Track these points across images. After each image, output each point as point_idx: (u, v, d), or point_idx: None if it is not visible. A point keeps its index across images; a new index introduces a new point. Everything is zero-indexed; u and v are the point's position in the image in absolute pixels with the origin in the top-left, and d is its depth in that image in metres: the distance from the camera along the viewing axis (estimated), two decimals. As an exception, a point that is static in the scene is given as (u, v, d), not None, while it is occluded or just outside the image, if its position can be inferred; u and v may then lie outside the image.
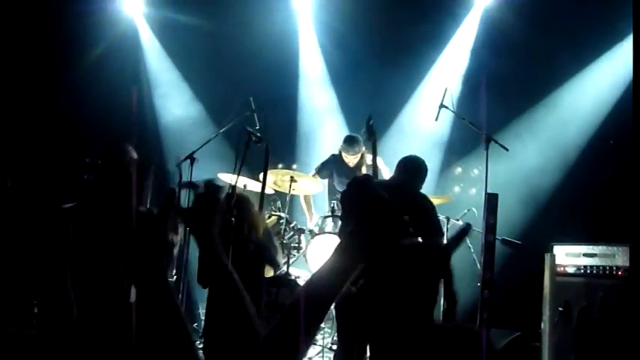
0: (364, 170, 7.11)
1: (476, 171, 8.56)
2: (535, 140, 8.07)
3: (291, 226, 6.66)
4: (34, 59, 8.26)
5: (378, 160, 7.17)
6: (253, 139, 5.18)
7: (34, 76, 8.28)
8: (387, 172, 7.16)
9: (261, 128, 6.20)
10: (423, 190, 5.07)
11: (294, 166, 9.01)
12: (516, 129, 8.10)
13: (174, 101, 9.09)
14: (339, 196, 7.15)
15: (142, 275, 1.60)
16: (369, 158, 7.15)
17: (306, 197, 7.40)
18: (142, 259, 1.61)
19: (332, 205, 6.81)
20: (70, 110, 8.28)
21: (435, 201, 6.66)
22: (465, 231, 4.15)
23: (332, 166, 7.26)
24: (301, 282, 6.12)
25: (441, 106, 6.68)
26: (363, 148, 7.05)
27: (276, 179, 6.85)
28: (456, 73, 8.62)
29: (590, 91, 8.00)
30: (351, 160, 7.06)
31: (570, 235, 6.44)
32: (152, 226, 1.61)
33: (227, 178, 6.63)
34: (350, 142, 7.01)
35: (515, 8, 8.08)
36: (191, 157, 6.57)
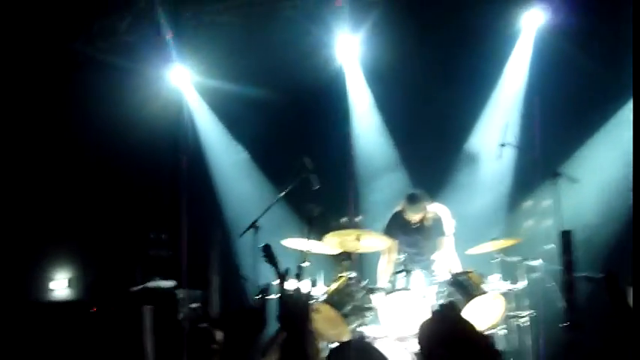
0: (426, 227, 7.00)
1: (545, 203, 8.31)
2: (603, 164, 7.77)
3: (362, 285, 6.53)
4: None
5: (441, 208, 7.10)
6: (315, 214, 5.15)
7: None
8: (450, 225, 7.05)
9: (318, 187, 6.27)
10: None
11: (360, 218, 8.93)
12: (583, 155, 7.80)
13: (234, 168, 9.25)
14: (407, 252, 7.02)
15: None
16: (431, 209, 7.08)
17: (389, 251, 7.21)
18: None
19: (402, 259, 6.69)
20: (124, 180, 8.49)
21: (507, 242, 6.62)
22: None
23: (397, 225, 7.15)
24: (377, 344, 6.01)
25: (503, 144, 6.64)
26: (426, 206, 6.97)
27: (341, 240, 6.67)
28: (514, 101, 8.38)
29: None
30: (413, 219, 7.00)
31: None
32: None
33: (291, 244, 6.66)
34: (412, 201, 6.94)
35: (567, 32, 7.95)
36: (254, 226, 6.66)
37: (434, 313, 2.32)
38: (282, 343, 3.27)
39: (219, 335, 4.62)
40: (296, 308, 3.28)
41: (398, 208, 7.14)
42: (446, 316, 2.24)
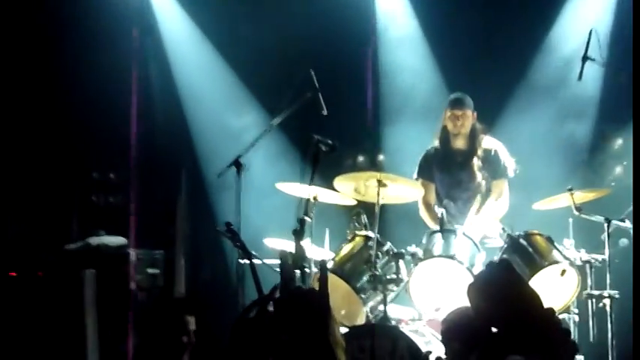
0: (476, 163, 7.02)
1: None
2: None
3: (385, 249, 6.42)
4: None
5: (496, 143, 7.05)
6: (324, 149, 5.11)
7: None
8: (511, 164, 6.97)
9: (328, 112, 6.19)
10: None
11: (381, 158, 8.88)
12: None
13: (207, 84, 9.19)
14: (446, 202, 7.08)
15: None
16: (485, 140, 7.12)
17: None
18: None
19: (440, 214, 6.63)
20: (66, 104, 8.43)
21: (588, 196, 6.60)
22: None
23: (434, 160, 7.19)
24: (404, 328, 6.04)
25: (585, 58, 6.52)
26: (474, 112, 7.08)
27: (357, 185, 6.57)
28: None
29: None
30: (458, 127, 7.06)
31: None
32: None
33: (288, 189, 6.63)
34: (455, 98, 7.10)
35: None
36: (237, 163, 6.57)
37: (480, 273, 2.24)
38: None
39: (191, 323, 4.63)
40: (312, 309, 3.22)
41: (434, 145, 7.24)
42: (499, 277, 2.16)
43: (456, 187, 7.23)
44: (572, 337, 6.09)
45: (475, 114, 7.12)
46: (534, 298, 2.15)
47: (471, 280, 5.91)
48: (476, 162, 7.14)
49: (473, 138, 7.14)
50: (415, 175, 7.28)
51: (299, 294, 3.77)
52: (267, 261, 6.43)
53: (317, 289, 6.10)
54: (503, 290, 2.14)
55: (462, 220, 6.90)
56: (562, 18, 8.63)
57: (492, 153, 7.15)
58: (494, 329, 2.25)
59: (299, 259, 4.42)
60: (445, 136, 7.21)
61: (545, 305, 2.94)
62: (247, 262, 5.34)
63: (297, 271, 4.42)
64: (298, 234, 4.58)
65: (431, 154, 7.30)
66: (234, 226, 5.35)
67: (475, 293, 2.20)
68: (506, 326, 2.10)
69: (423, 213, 7.26)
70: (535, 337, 2.12)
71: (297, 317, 3.68)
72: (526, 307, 2.13)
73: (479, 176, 7.14)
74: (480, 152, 7.13)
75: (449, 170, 7.22)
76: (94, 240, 7.85)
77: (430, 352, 5.50)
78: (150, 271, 7.89)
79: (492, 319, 2.19)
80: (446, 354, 4.66)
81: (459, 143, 7.19)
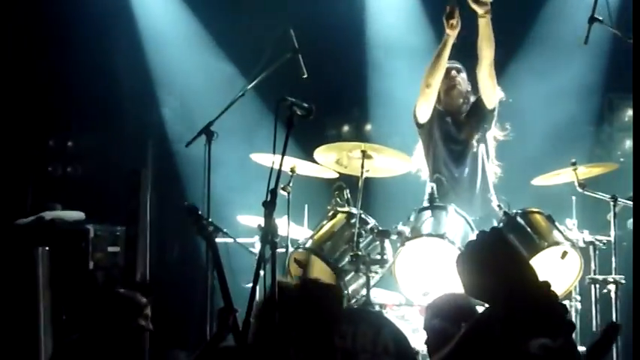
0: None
1: None
2: None
3: (369, 227, 6.37)
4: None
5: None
6: (299, 113, 5.04)
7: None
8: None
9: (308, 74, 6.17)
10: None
11: (368, 128, 8.89)
12: None
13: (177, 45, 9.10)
14: (442, 173, 7.01)
15: None
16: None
17: None
18: None
19: (431, 189, 6.56)
20: (19, 64, 8.36)
21: (593, 171, 6.67)
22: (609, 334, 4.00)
23: (432, 124, 7.08)
24: (389, 314, 6.01)
25: (593, 19, 6.44)
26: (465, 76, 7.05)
27: (340, 156, 6.61)
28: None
29: None
30: (453, 87, 7.03)
31: None
32: None
33: (264, 160, 6.62)
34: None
35: None
36: (207, 132, 6.51)
37: (469, 242, 2.21)
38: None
39: (146, 307, 4.64)
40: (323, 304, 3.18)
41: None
42: (489, 244, 2.11)
43: (450, 161, 7.11)
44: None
45: (468, 82, 7.10)
46: (532, 272, 2.09)
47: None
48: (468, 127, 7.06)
49: (467, 99, 7.12)
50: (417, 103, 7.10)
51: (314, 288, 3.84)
52: (240, 240, 6.40)
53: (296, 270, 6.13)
54: (497, 260, 2.07)
55: (454, 197, 6.83)
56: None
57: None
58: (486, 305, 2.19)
59: (270, 234, 4.34)
60: (441, 110, 7.13)
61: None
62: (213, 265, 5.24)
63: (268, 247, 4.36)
64: (269, 206, 4.51)
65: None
66: (199, 209, 5.25)
67: (464, 265, 2.13)
68: (503, 302, 2.04)
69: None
70: (537, 314, 2.06)
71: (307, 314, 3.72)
72: (524, 280, 2.06)
73: (474, 146, 7.06)
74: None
75: (446, 135, 7.11)
76: (49, 214, 7.80)
77: (418, 353, 5.53)
78: (110, 249, 7.87)
79: (484, 292, 2.12)
80: (426, 341, 4.64)
81: (455, 105, 7.11)
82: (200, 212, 4.94)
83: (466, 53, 7.26)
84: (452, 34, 6.66)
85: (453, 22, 6.63)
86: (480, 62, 6.85)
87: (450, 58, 6.94)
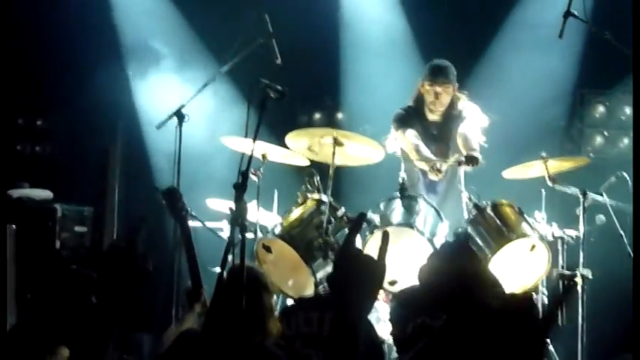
0: (460, 130, 6.90)
1: (627, 110, 8.47)
2: None
3: (338, 215, 6.40)
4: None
5: (471, 106, 7.00)
6: (272, 95, 5.02)
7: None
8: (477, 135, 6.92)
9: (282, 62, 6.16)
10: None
11: (340, 116, 8.88)
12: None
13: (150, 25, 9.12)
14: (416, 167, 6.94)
15: None
16: (466, 105, 7.07)
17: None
18: None
19: (402, 179, 6.56)
20: None
21: (563, 165, 6.78)
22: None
23: (413, 117, 7.05)
24: None
25: (568, 14, 6.45)
26: (456, 85, 6.96)
27: (311, 143, 6.61)
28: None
29: None
30: (436, 104, 6.94)
31: None
32: None
33: (234, 144, 6.63)
34: (437, 69, 6.91)
35: None
36: (178, 114, 6.52)
37: (440, 247, 2.26)
38: None
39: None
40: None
41: (409, 104, 7.12)
42: (458, 252, 2.18)
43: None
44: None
45: (457, 86, 7.02)
46: (491, 283, 2.12)
47: (432, 251, 5.98)
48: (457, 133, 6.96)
49: (451, 109, 7.03)
50: (395, 127, 7.05)
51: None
52: (209, 224, 6.38)
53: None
54: (458, 268, 2.12)
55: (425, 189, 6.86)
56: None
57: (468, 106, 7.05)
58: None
59: (240, 217, 4.32)
60: (419, 107, 7.09)
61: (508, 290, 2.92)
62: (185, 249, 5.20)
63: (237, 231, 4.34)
64: (239, 189, 4.48)
65: (412, 109, 7.11)
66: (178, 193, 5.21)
67: (428, 268, 2.18)
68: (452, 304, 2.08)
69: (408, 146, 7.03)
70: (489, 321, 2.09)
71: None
72: (478, 289, 2.09)
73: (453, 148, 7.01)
74: (458, 119, 7.03)
75: (423, 134, 7.04)
76: (16, 192, 7.77)
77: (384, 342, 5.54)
78: (77, 229, 7.84)
79: (441, 293, 2.16)
80: (392, 332, 4.66)
81: (435, 116, 7.06)
82: (181, 194, 4.92)
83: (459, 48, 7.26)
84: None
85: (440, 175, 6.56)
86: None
87: (443, 57, 7.01)
